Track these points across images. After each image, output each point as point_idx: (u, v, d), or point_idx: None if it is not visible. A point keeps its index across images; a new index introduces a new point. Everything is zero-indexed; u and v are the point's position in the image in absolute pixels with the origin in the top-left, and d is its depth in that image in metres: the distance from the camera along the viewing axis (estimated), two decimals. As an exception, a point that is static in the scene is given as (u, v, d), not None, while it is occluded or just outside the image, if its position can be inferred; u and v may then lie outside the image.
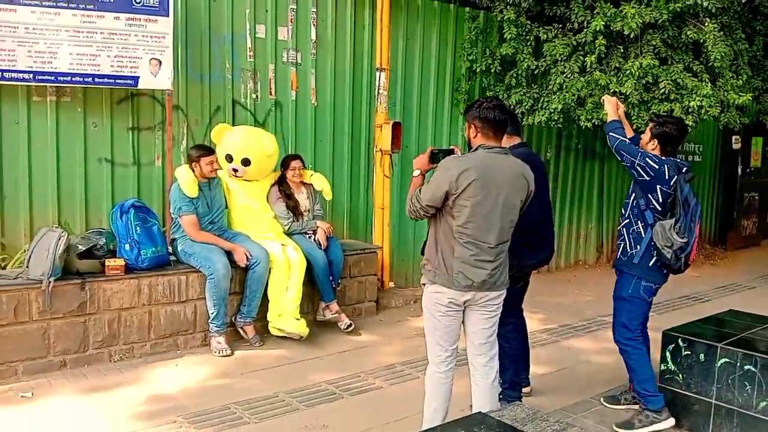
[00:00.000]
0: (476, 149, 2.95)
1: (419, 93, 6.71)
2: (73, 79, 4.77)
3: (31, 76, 4.65)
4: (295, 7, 5.91)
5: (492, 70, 6.60)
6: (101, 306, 4.29)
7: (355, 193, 6.40)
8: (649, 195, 3.56)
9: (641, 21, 5.68)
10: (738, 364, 3.30)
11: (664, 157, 3.60)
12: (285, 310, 4.80)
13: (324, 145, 6.19)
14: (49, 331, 4.11)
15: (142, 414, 3.59)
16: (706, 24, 5.85)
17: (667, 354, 3.60)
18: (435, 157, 3.07)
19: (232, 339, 4.75)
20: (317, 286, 5.12)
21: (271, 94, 5.89)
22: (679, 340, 3.54)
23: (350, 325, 5.13)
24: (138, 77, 4.95)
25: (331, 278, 5.13)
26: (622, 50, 6.06)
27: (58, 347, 4.15)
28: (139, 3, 4.86)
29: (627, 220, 3.71)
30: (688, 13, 5.98)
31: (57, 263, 4.04)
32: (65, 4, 4.65)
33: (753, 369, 3.24)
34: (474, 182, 2.80)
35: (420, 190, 2.95)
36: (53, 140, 4.91)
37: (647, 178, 3.51)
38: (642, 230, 3.62)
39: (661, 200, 3.53)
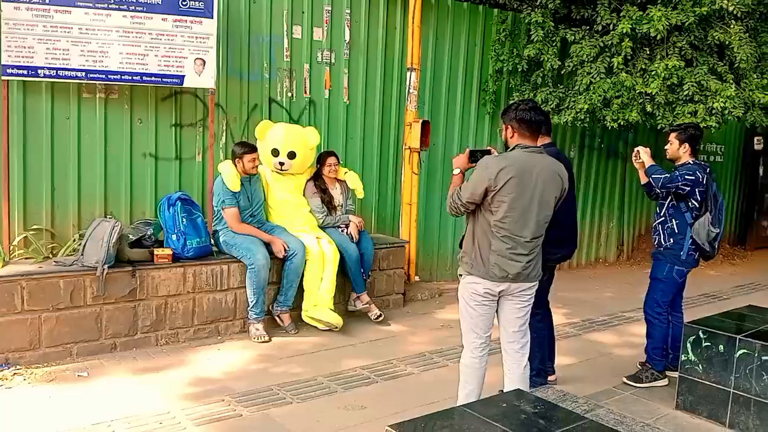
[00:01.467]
0: (513, 148, 3.15)
1: (447, 92, 6.91)
2: (123, 77, 5.03)
3: (84, 74, 4.92)
4: (330, 8, 6.14)
5: (519, 70, 6.77)
6: (149, 293, 4.55)
7: (383, 189, 6.62)
8: (690, 199, 4.12)
9: (667, 23, 5.83)
10: (756, 354, 3.47)
11: (692, 163, 4.17)
12: (320, 301, 5.04)
13: (355, 142, 6.41)
14: (102, 316, 4.38)
15: (192, 394, 3.84)
16: (732, 26, 5.99)
17: (688, 345, 3.77)
18: (473, 157, 3.27)
19: (269, 326, 4.99)
20: (349, 278, 5.35)
21: (305, 93, 6.13)
22: (700, 332, 3.72)
23: (380, 316, 5.36)
24: (183, 76, 5.20)
25: (362, 270, 5.36)
26: (648, 52, 6.20)
27: (109, 330, 4.42)
28: (186, 5, 5.11)
29: (662, 218, 4.28)
30: (713, 16, 6.11)
31: (111, 251, 4.30)
32: (116, 6, 4.91)
33: (770, 360, 3.41)
34: (512, 179, 3.00)
35: (460, 188, 3.15)
36: (101, 135, 5.18)
37: (688, 189, 4.07)
38: (675, 227, 4.21)
39: (699, 200, 4.12)
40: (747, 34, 6.02)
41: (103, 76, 4.98)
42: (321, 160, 5.48)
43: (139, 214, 5.38)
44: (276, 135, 5.23)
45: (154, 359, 4.38)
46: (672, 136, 4.28)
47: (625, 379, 4.30)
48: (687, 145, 4.21)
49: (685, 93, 6.02)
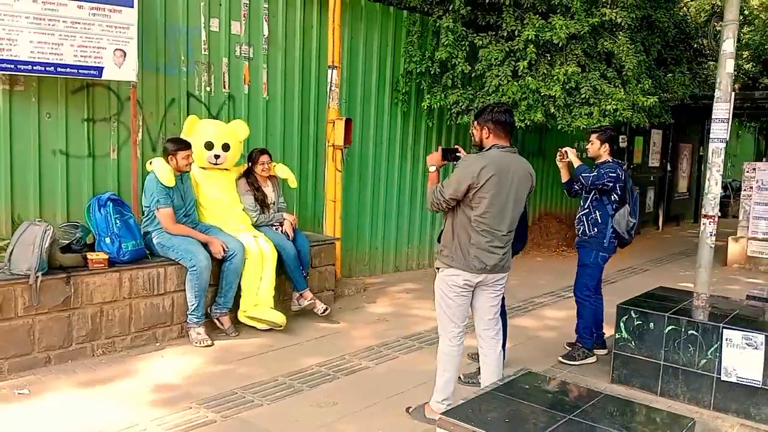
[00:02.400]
0: (490, 148, 3.33)
1: (362, 90, 7.01)
2: (34, 68, 4.61)
3: (-11, 63, 4.46)
4: (248, 2, 6.01)
5: (431, 72, 7.04)
6: (84, 300, 4.23)
7: (304, 186, 6.59)
8: (612, 193, 4.57)
9: (568, 32, 6.37)
10: (683, 329, 3.96)
11: (611, 161, 4.65)
12: (261, 300, 4.97)
13: (275, 138, 6.34)
14: (35, 327, 4.01)
15: (154, 402, 3.65)
16: (619, 37, 6.67)
17: (621, 324, 4.19)
18: (445, 155, 3.45)
19: (208, 329, 4.82)
20: (288, 277, 5.30)
21: (224, 88, 5.96)
22: (632, 312, 4.15)
23: (326, 310, 5.37)
24: (102, 68, 4.86)
25: (300, 267, 5.34)
26: (548, 58, 6.72)
27: (42, 343, 4.06)
28: (104, -8, 4.78)
29: (586, 210, 4.70)
30: (602, 27, 6.77)
31: (44, 257, 3.95)
32: (25, -10, 4.49)
33: (695, 333, 3.90)
34: (493, 177, 3.19)
35: (443, 185, 3.29)
36: (6, 131, 4.74)
37: (612, 185, 4.52)
38: (599, 218, 4.64)
39: (620, 194, 4.58)
40: (633, 45, 6.74)
41: (12, 66, 4.53)
42: (253, 157, 5.38)
43: (49, 216, 4.96)
44: (207, 129, 5.12)
45: (95, 371, 4.09)
46: (593, 137, 4.74)
47: (560, 359, 4.69)
48: (607, 145, 4.69)
49: (582, 96, 6.61)
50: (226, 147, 5.10)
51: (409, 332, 5.22)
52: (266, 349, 4.68)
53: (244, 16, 6.01)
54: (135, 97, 5.10)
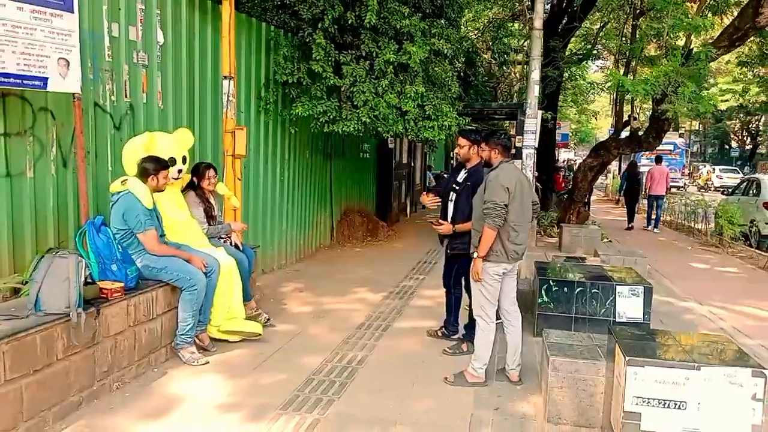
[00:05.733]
0: (500, 163, 4.31)
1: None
2: (-27, 77, 3.99)
3: None
4: (143, 7, 5.77)
5: (302, 82, 7.54)
6: (104, 334, 3.93)
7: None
8: None
9: (420, 57, 7.54)
10: (587, 289, 5.51)
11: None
12: (236, 313, 5.07)
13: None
14: (71, 369, 3.64)
15: (242, 418, 3.73)
16: (446, 65, 8.11)
17: (543, 292, 5.58)
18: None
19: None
20: (238, 287, 5.41)
21: (126, 97, 5.65)
22: (550, 282, 5.57)
23: (268, 319, 5.61)
24: (47, 78, 4.39)
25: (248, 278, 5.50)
26: (401, 78, 7.81)
27: (76, 385, 3.69)
28: (44, -6, 4.32)
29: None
30: (432, 54, 8.12)
31: (81, 291, 3.62)
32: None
33: (597, 291, 5.48)
34: (517, 183, 4.20)
35: (489, 199, 4.13)
36: None
37: None
38: None
39: None
40: (456, 72, 8.25)
41: (-54, 74, 3.87)
42: (199, 171, 5.33)
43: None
44: (165, 144, 4.97)
45: (134, 406, 3.86)
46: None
47: None
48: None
49: (427, 113, 7.88)
50: (184, 160, 5.03)
51: (356, 322, 5.85)
52: (262, 357, 4.86)
53: (141, 22, 5.76)
54: (80, 110, 4.66)
